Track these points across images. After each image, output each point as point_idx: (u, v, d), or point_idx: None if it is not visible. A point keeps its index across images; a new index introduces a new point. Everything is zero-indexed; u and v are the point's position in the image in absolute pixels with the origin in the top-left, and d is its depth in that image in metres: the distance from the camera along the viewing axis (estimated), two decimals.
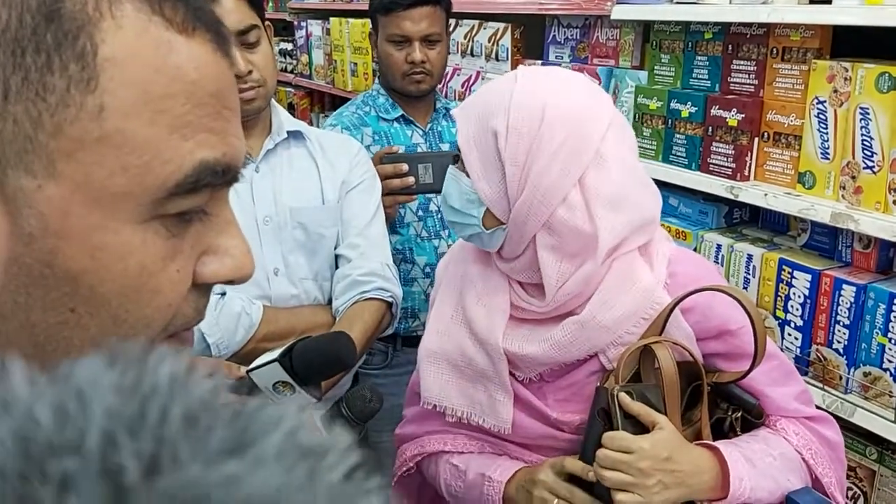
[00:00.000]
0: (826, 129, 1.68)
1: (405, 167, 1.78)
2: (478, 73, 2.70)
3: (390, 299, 1.57)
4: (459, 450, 1.22)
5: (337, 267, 1.60)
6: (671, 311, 1.07)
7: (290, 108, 4.13)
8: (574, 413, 1.13)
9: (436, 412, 1.21)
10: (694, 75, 1.99)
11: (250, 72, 1.50)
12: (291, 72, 4.13)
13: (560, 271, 1.07)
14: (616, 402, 1.03)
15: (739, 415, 1.13)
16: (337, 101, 3.33)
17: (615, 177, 1.05)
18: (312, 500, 0.24)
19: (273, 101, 1.63)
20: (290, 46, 4.13)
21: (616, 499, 1.00)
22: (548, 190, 1.03)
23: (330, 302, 1.59)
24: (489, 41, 2.66)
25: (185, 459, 0.23)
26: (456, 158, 1.77)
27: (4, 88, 0.40)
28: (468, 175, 1.08)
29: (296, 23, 4.01)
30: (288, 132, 1.61)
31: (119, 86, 0.42)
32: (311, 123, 3.79)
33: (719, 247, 1.91)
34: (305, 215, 1.57)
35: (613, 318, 1.08)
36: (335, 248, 1.60)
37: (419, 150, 2.03)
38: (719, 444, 1.07)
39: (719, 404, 1.14)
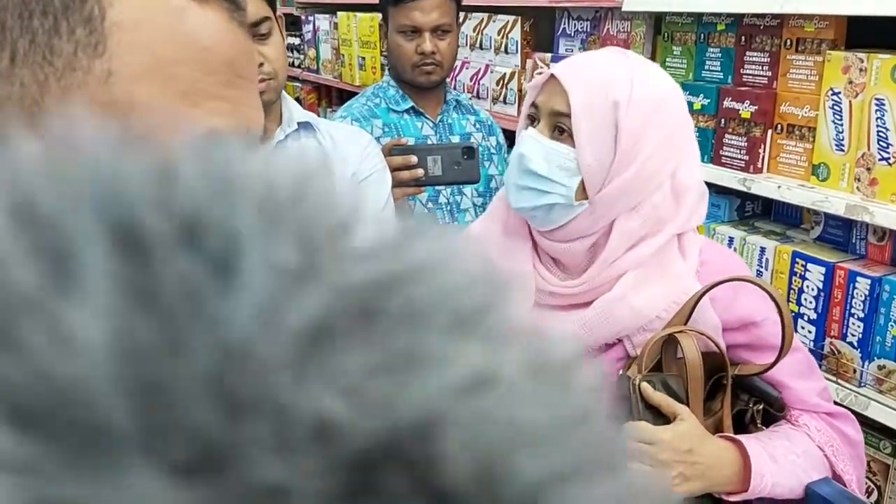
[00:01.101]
0: (840, 120, 1.66)
1: (414, 159, 1.77)
2: (486, 66, 2.69)
3: None
4: None
5: None
6: (698, 299, 1.06)
7: (298, 103, 4.12)
8: None
9: None
10: (706, 67, 1.98)
11: (261, 64, 1.49)
12: (299, 66, 4.12)
13: (616, 254, 1.08)
14: (637, 392, 1.02)
15: (761, 407, 1.12)
16: (344, 96, 3.32)
17: (696, 172, 1.09)
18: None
19: (284, 92, 1.63)
20: (297, 41, 4.12)
21: None
22: (653, 172, 1.04)
23: None
24: (498, 34, 2.65)
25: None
26: (466, 150, 1.77)
27: (12, 51, 0.40)
28: (563, 141, 1.06)
29: (303, 17, 4.00)
30: (298, 123, 1.61)
31: (127, 51, 0.42)
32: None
33: (731, 240, 1.90)
34: None
35: (644, 300, 1.07)
36: None
37: (429, 142, 2.02)
38: (742, 438, 1.05)
39: (740, 396, 1.13)
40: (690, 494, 1.00)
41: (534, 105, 1.10)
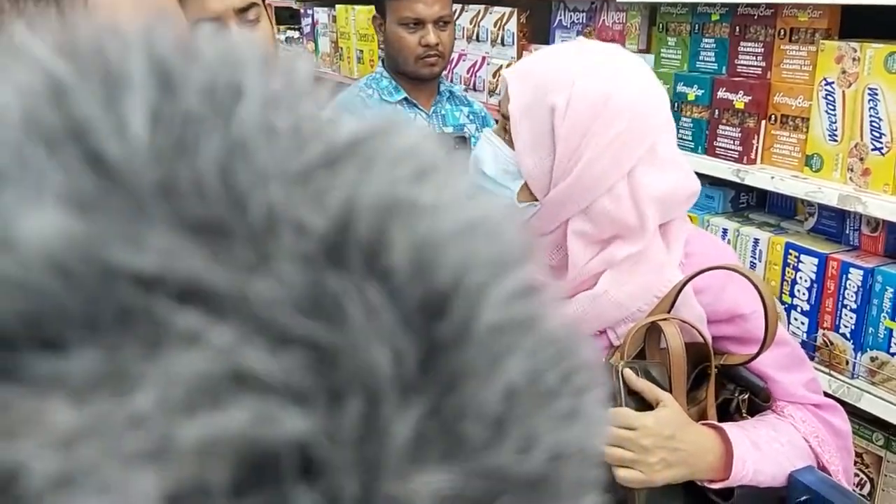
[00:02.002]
0: (834, 110, 1.66)
1: None
2: (483, 58, 2.68)
3: None
4: None
5: None
6: (681, 288, 1.05)
7: None
8: None
9: None
10: (700, 58, 1.97)
11: None
12: None
13: (587, 254, 1.05)
14: (620, 379, 1.01)
15: (746, 397, 1.11)
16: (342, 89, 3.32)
17: (667, 175, 1.03)
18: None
19: None
20: (296, 34, 4.12)
21: (618, 475, 0.98)
22: (596, 177, 1.00)
23: None
24: (495, 26, 2.64)
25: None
26: (457, 141, 1.76)
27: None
28: (510, 144, 1.04)
29: (302, 10, 4.00)
30: None
31: None
32: None
33: (725, 231, 1.89)
34: None
35: (626, 294, 1.06)
36: None
37: None
38: (725, 425, 1.05)
39: (726, 385, 1.12)
40: (672, 481, 1.00)
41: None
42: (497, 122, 1.11)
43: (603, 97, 0.99)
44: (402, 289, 0.18)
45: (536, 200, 1.05)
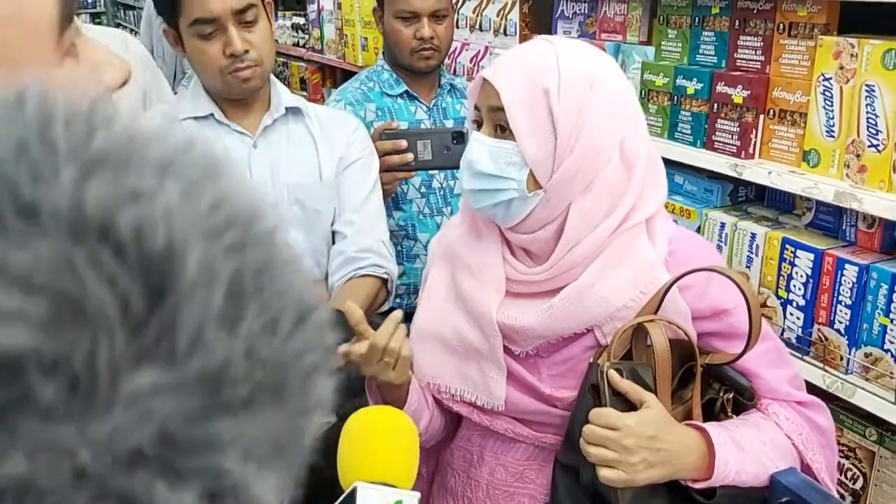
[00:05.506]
0: (831, 106, 1.65)
1: (404, 143, 1.77)
2: (486, 48, 2.68)
3: (385, 276, 1.57)
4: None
5: (333, 243, 1.61)
6: (668, 288, 1.06)
7: (302, 83, 4.12)
8: (568, 389, 1.12)
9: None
10: (700, 51, 1.96)
11: (247, 51, 1.50)
12: (303, 46, 4.11)
13: (579, 235, 1.08)
14: (605, 379, 1.03)
15: (731, 396, 1.13)
16: (348, 76, 3.30)
17: (646, 139, 1.10)
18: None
19: (272, 76, 1.63)
20: (302, 21, 4.11)
21: (600, 474, 1.00)
22: (598, 148, 1.05)
23: (326, 278, 1.59)
24: (497, 16, 2.63)
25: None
26: (455, 135, 1.77)
27: None
28: (508, 137, 1.06)
29: None
30: (286, 108, 1.61)
31: None
32: (322, 98, 3.77)
33: (723, 225, 1.90)
34: (303, 191, 1.57)
35: (611, 288, 1.07)
36: (332, 225, 1.60)
37: (423, 126, 2.02)
38: (708, 425, 1.06)
39: (711, 384, 1.14)
40: (655, 480, 1.01)
41: (476, 108, 1.11)
42: (476, 125, 1.12)
43: (589, 73, 1.06)
44: (127, 251, 0.26)
45: (540, 188, 1.06)
